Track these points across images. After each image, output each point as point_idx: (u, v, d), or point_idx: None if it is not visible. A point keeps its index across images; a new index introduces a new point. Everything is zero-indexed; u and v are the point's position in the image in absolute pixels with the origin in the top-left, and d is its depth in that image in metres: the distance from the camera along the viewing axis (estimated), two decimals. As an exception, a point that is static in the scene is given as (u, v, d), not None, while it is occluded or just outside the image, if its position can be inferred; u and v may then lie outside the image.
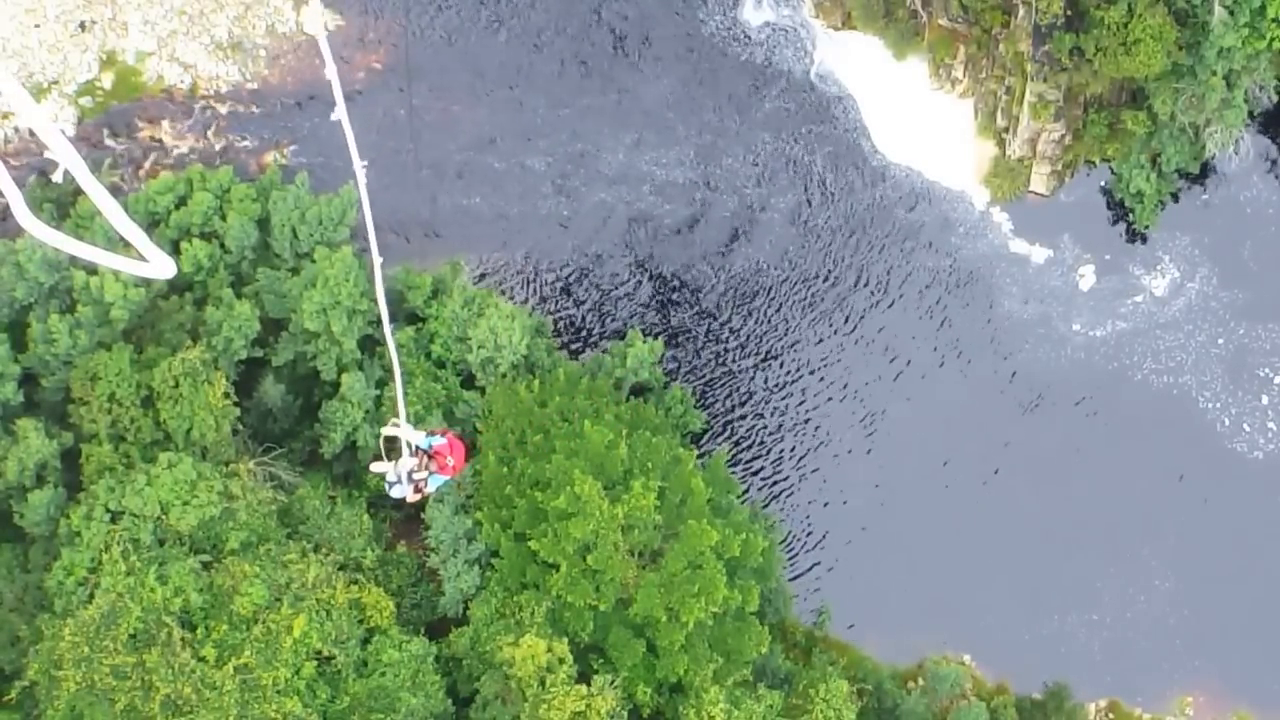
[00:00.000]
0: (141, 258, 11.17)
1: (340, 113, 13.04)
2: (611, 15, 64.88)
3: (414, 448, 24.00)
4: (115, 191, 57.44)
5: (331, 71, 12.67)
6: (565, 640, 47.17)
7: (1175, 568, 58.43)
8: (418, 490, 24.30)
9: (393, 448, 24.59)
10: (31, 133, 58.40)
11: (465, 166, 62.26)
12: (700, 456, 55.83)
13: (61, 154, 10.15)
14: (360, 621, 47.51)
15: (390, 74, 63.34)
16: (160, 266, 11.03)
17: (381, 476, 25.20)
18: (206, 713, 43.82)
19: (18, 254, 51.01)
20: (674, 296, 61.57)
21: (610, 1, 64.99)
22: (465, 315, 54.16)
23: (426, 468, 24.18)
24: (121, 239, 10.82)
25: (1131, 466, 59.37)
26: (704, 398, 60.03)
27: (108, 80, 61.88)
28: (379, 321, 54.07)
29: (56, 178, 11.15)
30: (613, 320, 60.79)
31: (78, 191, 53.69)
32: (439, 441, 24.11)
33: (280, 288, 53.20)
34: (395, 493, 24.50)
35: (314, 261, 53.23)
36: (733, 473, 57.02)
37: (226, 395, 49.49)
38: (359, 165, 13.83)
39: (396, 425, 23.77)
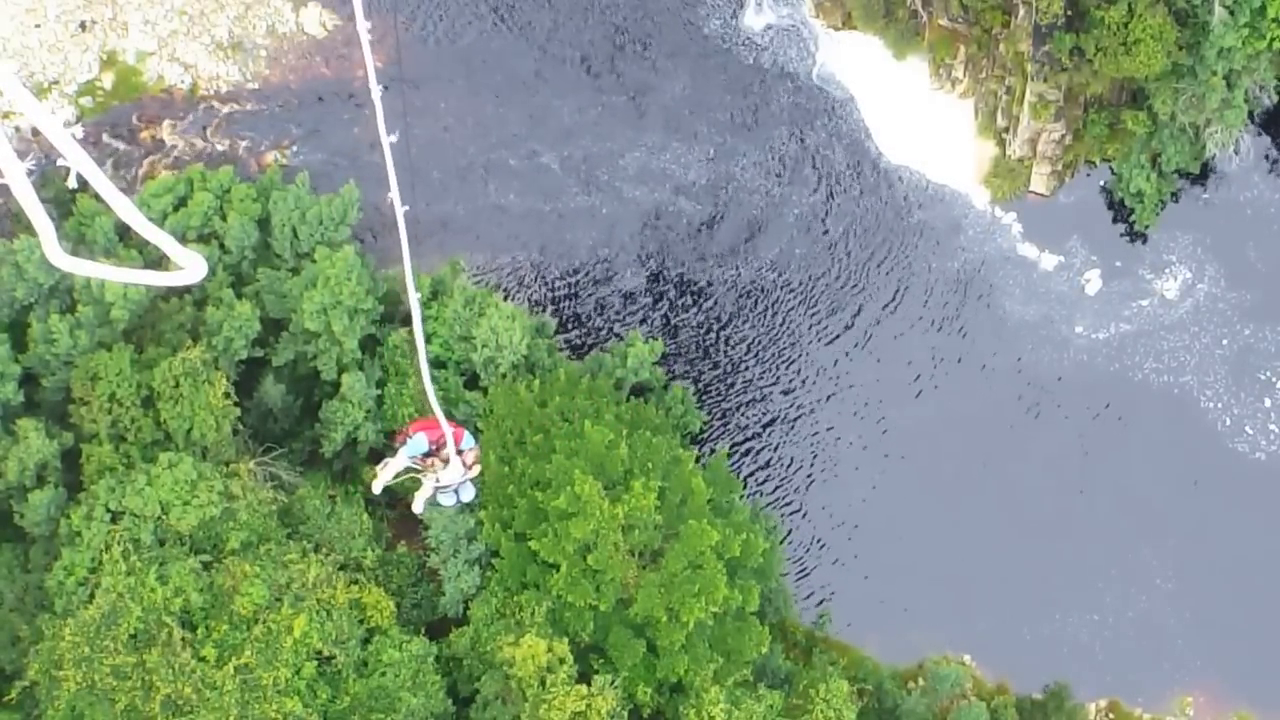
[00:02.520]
0: (131, 244, 11.19)
1: (373, 88, 12.96)
2: (617, 21, 64.86)
3: (428, 454, 22.79)
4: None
5: (365, 43, 12.55)
6: (565, 640, 47.16)
7: (1176, 568, 58.42)
8: (468, 466, 23.15)
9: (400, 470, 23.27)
10: (34, 131, 58.41)
11: (474, 166, 62.22)
12: (700, 457, 55.83)
13: (76, 161, 10.15)
14: (361, 621, 47.50)
15: (391, 73, 63.31)
16: (192, 269, 11.02)
17: (437, 501, 23.74)
18: (207, 713, 43.81)
19: (17, 254, 51.02)
20: (676, 296, 61.57)
21: (616, 9, 64.96)
22: (466, 315, 54.15)
23: (446, 457, 22.91)
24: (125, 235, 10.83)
25: (1133, 467, 59.35)
26: (705, 398, 60.02)
27: (108, 80, 61.90)
28: (381, 321, 54.15)
29: (70, 183, 11.14)
30: (614, 319, 60.78)
31: (79, 190, 53.68)
32: (421, 437, 22.87)
33: (280, 288, 53.19)
34: (466, 495, 23.42)
35: (314, 261, 53.24)
36: (733, 473, 57.01)
37: (227, 395, 49.47)
38: (385, 139, 13.71)
39: (386, 466, 22.70)
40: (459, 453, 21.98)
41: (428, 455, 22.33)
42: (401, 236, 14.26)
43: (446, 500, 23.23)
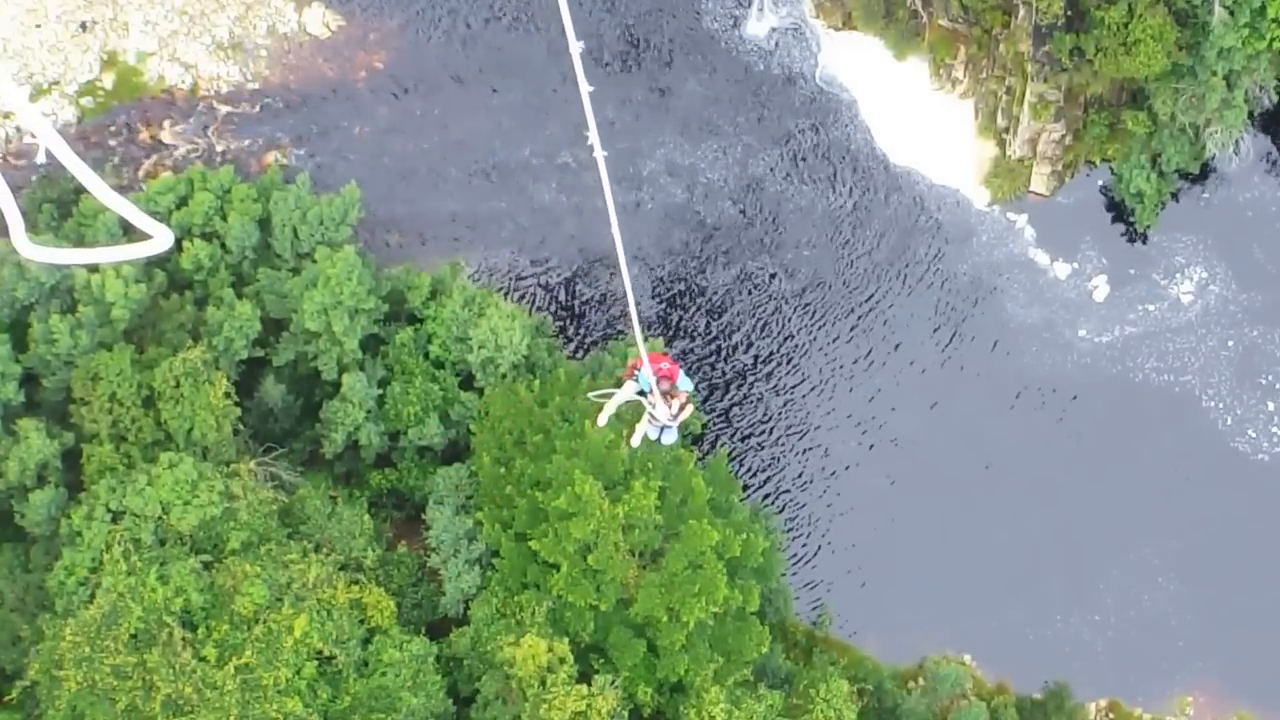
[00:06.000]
0: (133, 242, 11.12)
1: (588, 114, 12.96)
2: (624, 28, 64.85)
3: (646, 393, 22.41)
4: (118, 192, 57.52)
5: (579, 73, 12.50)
6: (566, 640, 47.17)
7: (1177, 568, 58.42)
8: (677, 402, 22.73)
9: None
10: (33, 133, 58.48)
11: (488, 167, 62.16)
12: (701, 457, 55.83)
13: (40, 133, 10.21)
14: (361, 621, 47.52)
15: (393, 74, 63.36)
16: (158, 239, 10.90)
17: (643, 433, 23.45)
18: (207, 712, 43.83)
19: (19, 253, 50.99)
20: (678, 297, 61.58)
21: (625, 19, 64.94)
22: (465, 315, 54.18)
23: (663, 396, 22.40)
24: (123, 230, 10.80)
25: (1134, 467, 59.35)
26: (706, 398, 60.01)
27: (109, 80, 61.94)
28: (382, 320, 54.18)
29: (39, 159, 11.21)
30: (616, 319, 60.78)
31: (79, 190, 53.69)
32: (649, 370, 22.38)
33: (281, 288, 53.24)
34: (668, 438, 23.26)
35: (315, 261, 53.30)
36: (733, 473, 57.00)
37: (227, 395, 49.51)
38: (600, 153, 13.71)
39: (614, 396, 22.28)
40: (667, 393, 21.69)
41: (648, 392, 22.02)
42: (605, 184, 14.04)
43: (652, 433, 23.23)
